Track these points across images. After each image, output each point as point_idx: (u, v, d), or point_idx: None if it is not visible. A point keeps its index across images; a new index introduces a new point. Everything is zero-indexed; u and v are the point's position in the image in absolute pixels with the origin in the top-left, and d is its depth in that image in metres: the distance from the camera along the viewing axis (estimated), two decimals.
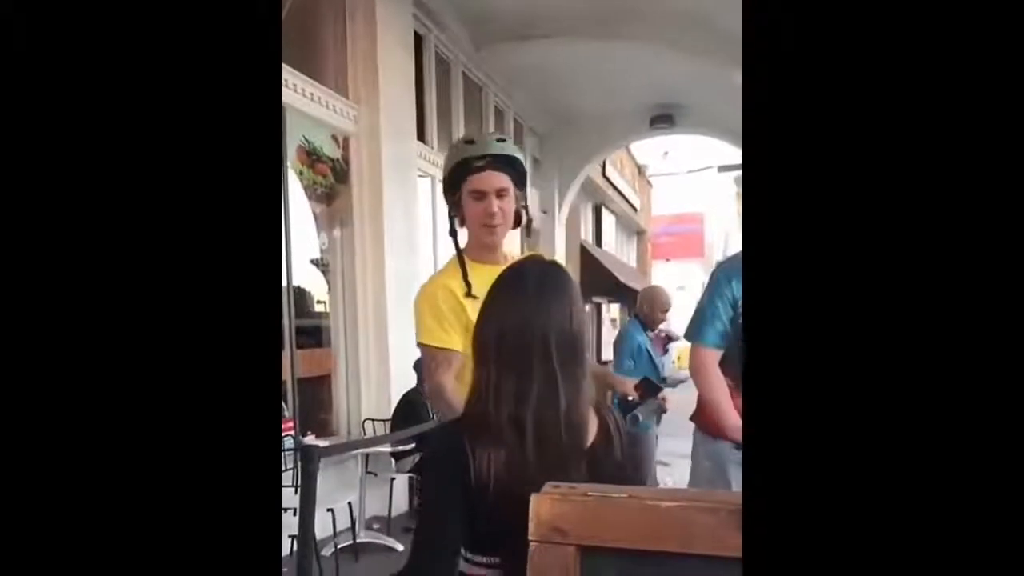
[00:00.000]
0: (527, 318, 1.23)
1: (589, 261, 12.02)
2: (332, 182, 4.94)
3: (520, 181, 2.01)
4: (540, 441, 1.18)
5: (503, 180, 1.95)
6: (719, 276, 2.39)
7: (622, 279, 12.60)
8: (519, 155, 2.00)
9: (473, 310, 1.87)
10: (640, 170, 17.94)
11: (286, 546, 3.78)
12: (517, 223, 2.05)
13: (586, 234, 12.88)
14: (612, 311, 15.85)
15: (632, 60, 7.03)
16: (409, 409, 4.59)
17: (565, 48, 6.74)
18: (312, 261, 4.94)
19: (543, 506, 0.89)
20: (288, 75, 4.26)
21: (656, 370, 4.94)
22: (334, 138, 4.87)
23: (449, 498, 1.17)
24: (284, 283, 4.45)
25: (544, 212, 9.54)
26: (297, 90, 4.37)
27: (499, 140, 2.00)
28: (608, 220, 15.09)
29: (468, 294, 1.94)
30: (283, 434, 4.09)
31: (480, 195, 1.95)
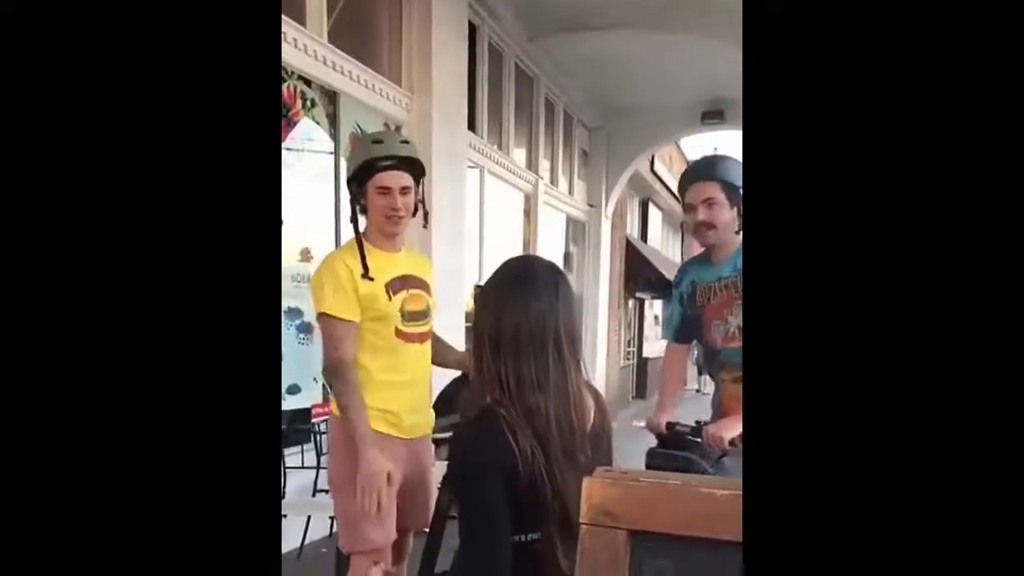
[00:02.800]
0: (542, 311, 1.32)
1: (634, 256, 11.94)
2: None
3: (419, 178, 2.28)
4: (559, 426, 1.28)
5: (406, 179, 2.22)
6: (677, 277, 2.59)
7: (667, 275, 12.50)
8: (419, 157, 2.27)
9: (365, 290, 2.17)
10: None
11: (325, 527, 3.85)
12: (414, 214, 2.30)
13: (632, 229, 12.80)
14: (655, 307, 15.74)
15: (685, 54, 6.95)
16: (448, 397, 4.63)
17: (618, 41, 6.69)
18: None
19: (595, 490, 0.90)
20: (342, 62, 4.31)
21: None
22: (386, 125, 4.91)
23: (500, 492, 1.24)
24: None
25: (591, 206, 9.51)
26: (352, 77, 4.41)
27: (403, 142, 2.26)
28: (655, 215, 14.97)
29: (364, 275, 2.17)
30: (325, 418, 4.16)
31: (386, 191, 2.19)
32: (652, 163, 12.26)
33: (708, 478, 0.78)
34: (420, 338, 2.31)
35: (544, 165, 8.03)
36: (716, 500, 0.84)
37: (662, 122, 9.36)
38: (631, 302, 13.27)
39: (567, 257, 9.07)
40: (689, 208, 2.36)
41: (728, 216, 2.29)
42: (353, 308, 2.16)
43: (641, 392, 13.30)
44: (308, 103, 4.24)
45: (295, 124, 4.16)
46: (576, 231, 9.36)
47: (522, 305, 1.33)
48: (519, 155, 7.40)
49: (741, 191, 2.25)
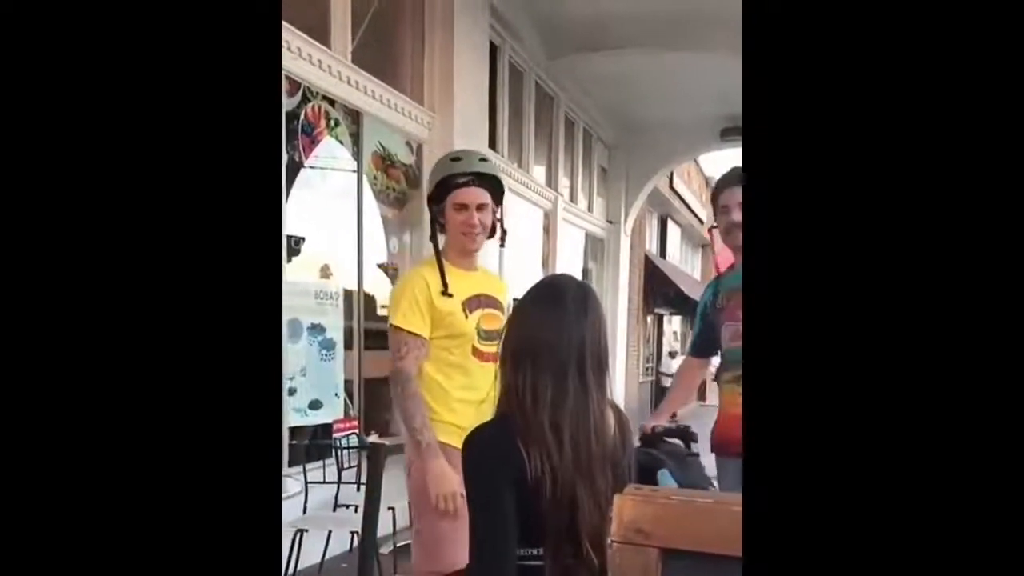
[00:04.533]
0: (566, 330, 1.33)
1: (653, 272, 11.93)
2: (404, 188, 5.03)
3: (498, 198, 2.30)
4: (575, 445, 1.29)
5: (484, 196, 2.24)
6: (704, 291, 2.70)
7: (685, 291, 12.47)
8: (499, 175, 2.29)
9: (443, 306, 2.20)
10: (708, 182, 17.73)
11: (346, 542, 3.86)
12: (492, 233, 2.32)
13: (651, 245, 12.79)
14: (674, 323, 15.69)
15: (704, 72, 6.97)
16: None
17: (637, 59, 6.73)
18: (379, 265, 5.03)
19: (626, 507, 0.92)
20: (366, 82, 4.36)
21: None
22: (408, 144, 4.96)
23: (507, 495, 1.26)
24: (355, 286, 4.55)
25: (610, 222, 9.52)
26: (375, 96, 4.47)
27: (482, 160, 2.29)
28: (673, 232, 14.96)
29: (444, 292, 2.19)
30: (347, 433, 4.19)
31: (462, 207, 2.21)
32: (671, 180, 12.28)
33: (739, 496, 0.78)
34: (495, 357, 2.31)
35: (564, 182, 8.06)
36: None
37: (681, 139, 9.38)
38: (650, 318, 13.24)
39: (586, 273, 9.06)
40: (723, 210, 2.44)
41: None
42: (422, 323, 2.18)
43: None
44: (332, 122, 4.30)
45: (318, 143, 4.21)
46: (595, 247, 9.38)
47: (546, 322, 1.35)
48: (539, 172, 7.44)
49: None
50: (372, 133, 4.59)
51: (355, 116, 4.44)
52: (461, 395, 2.22)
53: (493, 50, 5.90)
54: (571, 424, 1.29)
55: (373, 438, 4.43)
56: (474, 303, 2.26)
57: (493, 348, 2.28)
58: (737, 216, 2.37)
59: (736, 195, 2.39)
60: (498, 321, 2.32)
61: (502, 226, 2.37)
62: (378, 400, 4.95)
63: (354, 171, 4.51)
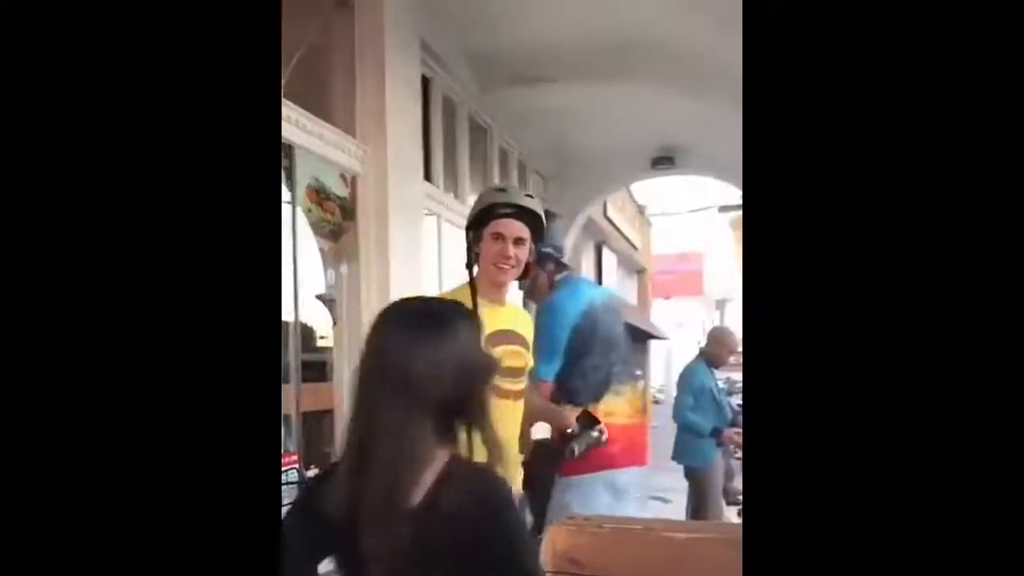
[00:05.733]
0: (387, 353, 1.21)
1: None
2: (340, 220, 5.00)
3: (536, 236, 2.29)
4: (376, 479, 1.15)
5: (523, 231, 2.23)
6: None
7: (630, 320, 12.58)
8: (541, 212, 2.28)
9: None
10: (641, 210, 18.04)
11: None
12: (525, 275, 2.34)
13: (588, 272, 12.91)
14: None
15: (635, 102, 7.14)
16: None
17: (569, 90, 6.84)
18: (318, 296, 4.98)
19: (559, 537, 0.93)
20: (298, 115, 4.34)
21: (720, 410, 5.08)
22: (342, 177, 4.94)
23: (298, 515, 1.22)
24: (292, 318, 4.49)
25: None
26: (307, 130, 4.45)
27: (527, 195, 2.30)
28: (609, 258, 15.13)
29: None
30: (287, 468, 4.10)
31: (499, 237, 2.21)
32: (605, 208, 12.45)
33: (672, 523, 0.79)
34: (515, 396, 2.28)
35: None
36: (677, 544, 0.87)
37: (614, 168, 9.53)
38: None
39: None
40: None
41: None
42: None
43: None
44: None
45: None
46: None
47: (371, 346, 1.25)
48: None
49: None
50: (305, 167, 4.55)
51: (287, 150, 4.41)
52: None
53: (425, 83, 5.93)
54: (378, 456, 1.15)
55: (313, 472, 4.35)
56: (499, 337, 2.19)
57: (514, 385, 2.27)
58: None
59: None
60: (521, 358, 2.31)
61: (534, 268, 2.40)
62: (316, 434, 4.87)
63: (289, 202, 4.47)
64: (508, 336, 2.25)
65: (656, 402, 12.44)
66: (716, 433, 5.06)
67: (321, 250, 4.93)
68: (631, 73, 6.43)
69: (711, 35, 5.29)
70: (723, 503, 5.49)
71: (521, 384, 2.31)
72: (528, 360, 2.35)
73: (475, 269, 2.29)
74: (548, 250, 2.71)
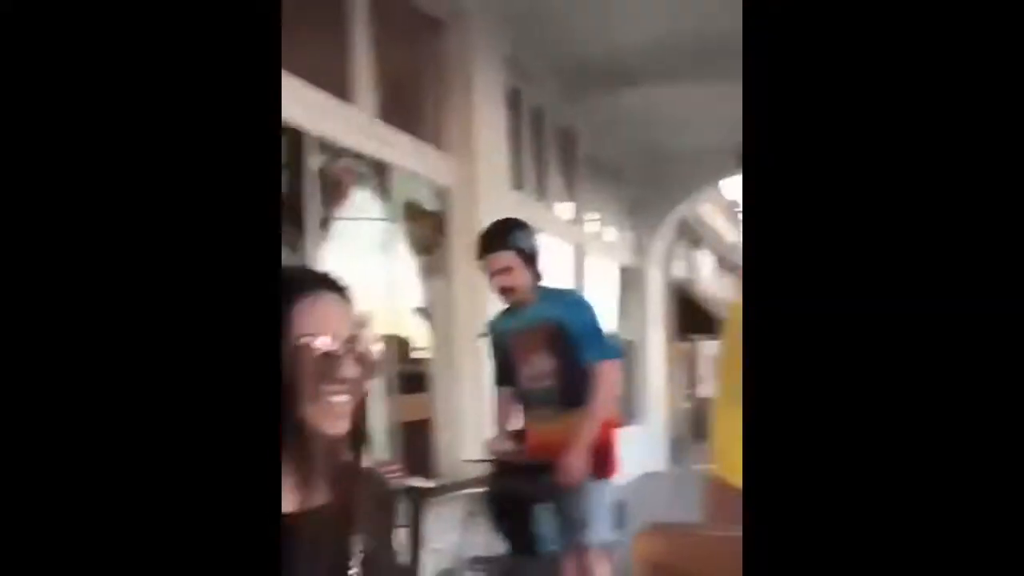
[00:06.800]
0: None
1: (684, 298, 11.90)
2: (434, 233, 5.14)
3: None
4: None
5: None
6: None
7: (719, 316, 12.38)
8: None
9: None
10: (731, 206, 17.64)
11: None
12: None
13: (681, 272, 12.76)
14: (709, 348, 15.52)
15: (719, 100, 7.04)
16: None
17: (655, 92, 6.85)
18: (414, 309, 5.13)
19: (643, 544, 0.95)
20: (389, 133, 4.49)
21: None
22: (435, 192, 5.08)
23: None
24: (390, 331, 4.65)
25: (639, 254, 9.61)
26: (399, 148, 4.59)
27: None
28: (704, 258, 14.90)
29: None
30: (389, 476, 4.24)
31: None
32: (698, 207, 12.26)
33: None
34: None
35: (593, 216, 8.18)
36: None
37: (703, 167, 9.41)
38: (683, 344, 13.15)
39: (620, 304, 9.13)
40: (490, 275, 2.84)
41: (524, 279, 2.80)
42: None
43: (700, 432, 13.03)
44: (359, 176, 4.44)
45: (347, 196, 4.36)
46: (626, 279, 9.41)
47: None
48: (570, 208, 7.60)
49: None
50: (400, 184, 4.71)
51: (382, 168, 4.57)
52: None
53: (515, 94, 6.03)
54: None
55: (416, 481, 4.47)
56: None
57: None
58: (501, 281, 2.79)
59: (501, 260, 2.77)
60: None
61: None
62: (414, 443, 5.00)
63: (384, 220, 4.63)
64: None
65: None
66: None
67: (417, 264, 5.08)
68: (713, 72, 6.36)
69: None
70: None
71: None
72: None
73: None
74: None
